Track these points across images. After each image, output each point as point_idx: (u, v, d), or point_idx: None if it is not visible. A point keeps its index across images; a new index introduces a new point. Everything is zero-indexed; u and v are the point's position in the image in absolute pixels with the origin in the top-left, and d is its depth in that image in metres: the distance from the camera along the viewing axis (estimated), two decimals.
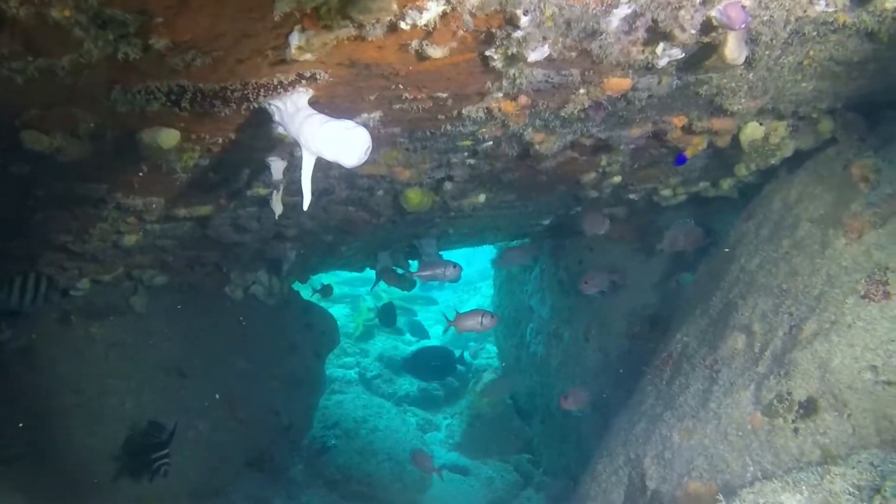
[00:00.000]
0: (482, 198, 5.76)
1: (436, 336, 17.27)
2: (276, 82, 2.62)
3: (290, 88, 2.70)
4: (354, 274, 10.32)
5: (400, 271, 9.21)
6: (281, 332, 8.50)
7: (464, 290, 20.00)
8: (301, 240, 6.59)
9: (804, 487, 2.64)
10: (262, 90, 2.67)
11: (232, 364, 7.80)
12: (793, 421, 3.43)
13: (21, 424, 5.58)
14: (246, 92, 2.66)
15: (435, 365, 10.77)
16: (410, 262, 9.11)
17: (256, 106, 2.83)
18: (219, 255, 6.74)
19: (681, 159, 4.75)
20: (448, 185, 5.10)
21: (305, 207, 2.71)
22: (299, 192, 4.79)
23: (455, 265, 7.34)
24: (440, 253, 8.52)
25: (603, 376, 8.07)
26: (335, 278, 13.83)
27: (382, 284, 8.52)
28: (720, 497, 2.90)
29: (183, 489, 7.02)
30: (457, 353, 11.31)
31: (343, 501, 8.60)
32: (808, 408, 3.38)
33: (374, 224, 6.16)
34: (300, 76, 2.64)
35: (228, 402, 7.62)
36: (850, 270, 3.62)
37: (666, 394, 4.75)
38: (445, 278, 7.16)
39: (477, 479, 10.16)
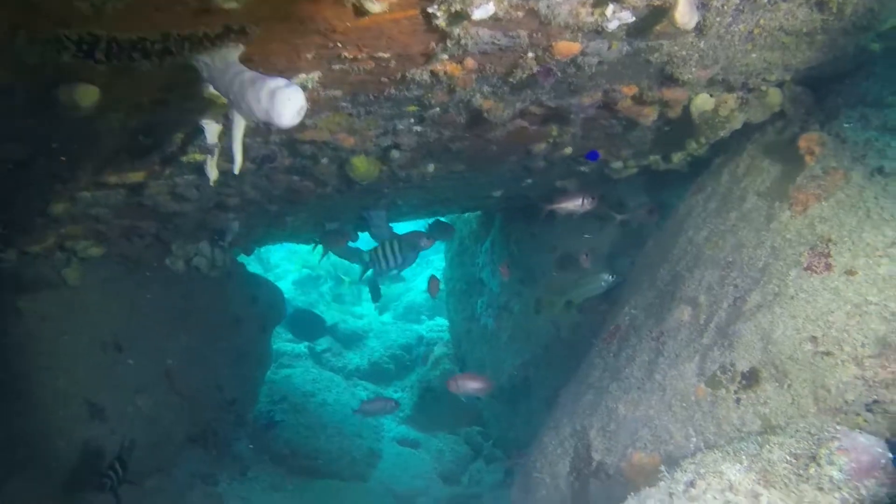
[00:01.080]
0: (431, 168, 5.66)
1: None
2: (201, 35, 2.46)
3: (218, 42, 2.54)
4: None
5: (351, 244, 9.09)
6: (225, 306, 8.30)
7: (416, 263, 19.86)
8: (244, 210, 6.41)
9: (744, 457, 2.63)
10: (186, 43, 2.50)
11: (174, 338, 7.59)
12: (735, 392, 3.43)
13: None
14: (168, 44, 2.49)
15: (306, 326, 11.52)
16: (360, 233, 9.00)
17: (183, 61, 2.67)
18: (158, 226, 6.52)
19: (593, 155, 4.75)
20: (395, 154, 4.98)
21: (236, 172, 2.57)
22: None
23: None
24: (390, 225, 8.42)
25: (553, 349, 8.09)
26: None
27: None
28: (662, 468, 2.88)
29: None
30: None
31: (290, 476, 8.51)
32: (751, 378, 3.39)
33: (319, 194, 6.02)
34: (228, 29, 2.48)
35: (170, 377, 7.43)
36: (794, 243, 3.63)
37: (613, 366, 4.75)
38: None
39: (427, 452, 10.16)
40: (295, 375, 10.89)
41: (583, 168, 6.34)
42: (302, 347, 13.04)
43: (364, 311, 16.67)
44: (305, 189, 5.81)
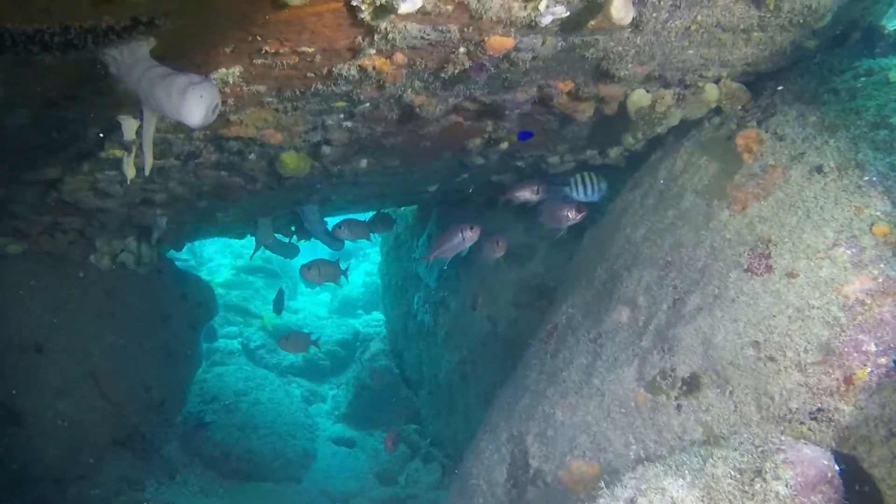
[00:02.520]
0: (364, 163, 5.50)
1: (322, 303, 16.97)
2: (105, 27, 2.24)
3: (125, 35, 2.32)
4: None
5: (282, 238, 8.85)
6: (153, 303, 7.96)
7: (353, 256, 19.66)
8: (172, 206, 6.14)
9: (686, 472, 2.54)
10: (90, 36, 2.28)
11: (98, 337, 7.24)
12: (675, 398, 3.35)
13: None
14: (70, 37, 2.26)
15: None
16: (294, 228, 8.76)
17: (89, 55, 2.44)
18: (81, 222, 6.22)
19: (525, 135, 4.67)
20: (326, 150, 4.80)
21: (146, 172, 2.36)
22: (162, 155, 4.45)
23: None
24: (324, 219, 8.21)
25: (490, 345, 8.00)
26: None
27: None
28: (602, 484, 2.77)
29: (44, 472, 6.51)
30: None
31: (222, 480, 8.22)
32: (691, 384, 3.31)
33: (249, 189, 5.79)
34: (136, 21, 2.27)
35: (95, 378, 7.09)
36: (734, 243, 3.56)
37: (550, 368, 4.65)
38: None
39: (363, 451, 9.98)
40: (227, 374, 10.54)
41: (519, 163, 6.26)
42: (235, 344, 12.68)
43: (300, 305, 16.37)
44: (235, 185, 5.59)
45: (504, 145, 5.36)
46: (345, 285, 16.89)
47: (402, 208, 10.36)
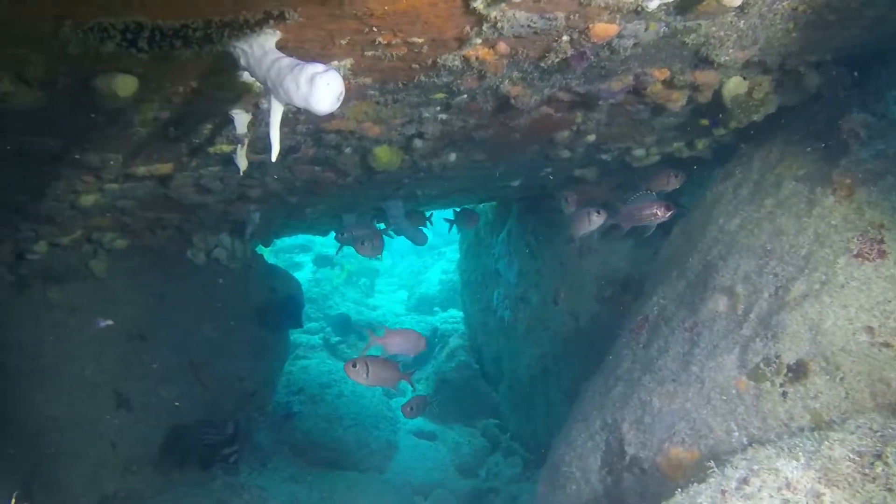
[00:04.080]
0: (452, 157, 5.57)
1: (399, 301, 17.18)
2: (241, 21, 2.38)
3: (256, 28, 2.46)
4: None
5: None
6: (245, 297, 8.26)
7: (429, 256, 19.85)
8: (265, 201, 6.35)
9: (801, 454, 2.53)
10: (226, 30, 2.42)
11: (195, 329, 7.58)
12: (781, 385, 3.33)
13: None
14: (209, 31, 2.41)
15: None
16: (377, 224, 8.92)
17: (221, 49, 2.59)
18: (181, 218, 6.49)
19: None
20: (418, 143, 4.90)
21: (273, 159, 2.49)
22: (265, 150, 4.61)
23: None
24: (426, 212, 8.33)
25: (572, 340, 8.00)
26: None
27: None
28: (711, 463, 2.78)
29: (147, 457, 6.84)
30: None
31: (310, 467, 8.46)
32: (798, 371, 3.28)
33: (340, 185, 5.95)
34: (268, 14, 2.40)
35: (192, 367, 7.42)
36: (841, 229, 3.51)
37: (643, 357, 4.65)
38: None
39: (444, 444, 10.09)
40: (312, 367, 10.84)
41: (604, 156, 6.24)
42: (317, 339, 12.99)
43: (377, 302, 16.62)
44: (327, 180, 5.74)
45: (591, 137, 5.37)
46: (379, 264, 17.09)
47: (482, 205, 10.43)
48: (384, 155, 4.99)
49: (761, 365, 3.46)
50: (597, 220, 5.75)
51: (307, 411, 9.30)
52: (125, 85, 2.85)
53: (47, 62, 2.65)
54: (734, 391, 3.57)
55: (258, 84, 3.02)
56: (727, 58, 3.71)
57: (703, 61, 3.83)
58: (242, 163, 3.59)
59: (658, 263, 5.67)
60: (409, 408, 6.62)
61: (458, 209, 8.47)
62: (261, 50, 2.48)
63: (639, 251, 7.38)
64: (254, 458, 8.24)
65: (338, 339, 13.22)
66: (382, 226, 8.07)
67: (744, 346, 3.66)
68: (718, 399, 3.64)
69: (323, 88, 2.27)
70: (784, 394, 3.31)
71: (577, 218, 5.92)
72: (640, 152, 6.11)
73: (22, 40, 2.44)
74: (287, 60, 2.40)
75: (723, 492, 2.52)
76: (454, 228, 8.54)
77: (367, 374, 5.42)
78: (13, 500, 5.27)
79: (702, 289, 4.46)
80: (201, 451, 6.87)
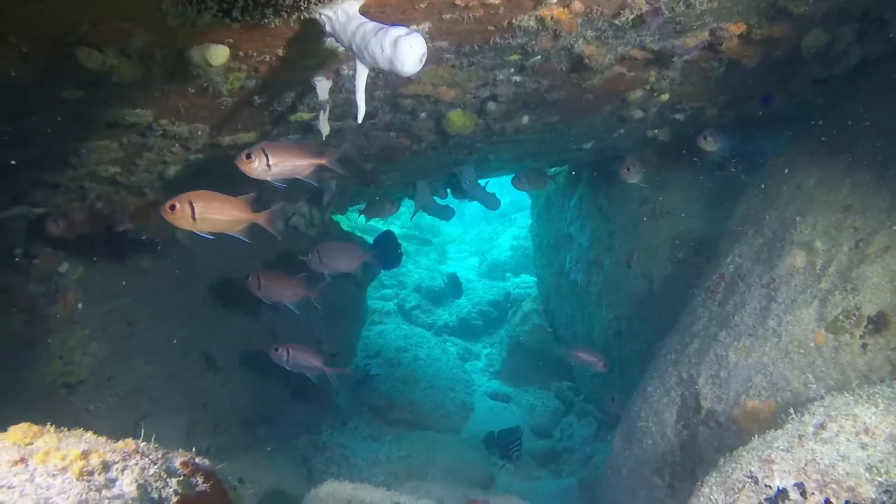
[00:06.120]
0: (525, 120, 5.63)
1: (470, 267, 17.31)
2: None
3: None
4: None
5: (439, 201, 9.14)
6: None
7: (498, 222, 19.92)
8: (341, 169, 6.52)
9: (880, 400, 2.56)
10: None
11: None
12: (861, 336, 3.34)
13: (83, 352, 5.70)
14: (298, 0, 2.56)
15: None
16: (449, 190, 9.04)
17: (307, 16, 2.73)
18: (258, 187, 6.70)
19: (767, 99, 4.59)
20: (492, 106, 4.97)
21: (359, 120, 2.62)
22: (342, 117, 4.77)
23: None
24: (479, 181, 8.42)
25: (646, 302, 8.00)
26: None
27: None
28: (791, 410, 2.83)
29: (236, 415, 7.17)
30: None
31: (388, 427, 8.73)
32: (879, 322, 3.28)
33: (414, 150, 6.07)
34: None
35: (273, 331, 7.70)
36: None
37: (719, 314, 4.67)
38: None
39: (518, 406, 10.25)
40: (387, 331, 11.10)
41: (677, 116, 6.19)
42: (391, 305, 13.27)
43: (450, 269, 16.82)
44: (401, 146, 5.86)
45: (664, 97, 5.35)
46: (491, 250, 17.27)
47: (552, 169, 10.43)
48: (458, 119, 5.08)
49: (840, 317, 3.47)
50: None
51: (385, 374, 9.56)
52: (218, 55, 3.02)
53: (148, 35, 2.84)
54: (812, 344, 3.58)
55: (341, 49, 3.15)
56: (806, 8, 3.66)
57: (780, 13, 3.79)
58: (325, 128, 3.74)
59: (733, 223, 5.65)
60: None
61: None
62: (345, 15, 2.60)
63: (713, 212, 7.31)
64: (334, 418, 8.54)
65: (412, 304, 13.48)
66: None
67: (822, 300, 3.66)
68: (796, 352, 3.66)
69: (406, 50, 2.38)
70: (864, 345, 3.31)
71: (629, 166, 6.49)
72: (713, 112, 6.06)
73: (128, 14, 2.63)
74: (371, 25, 2.52)
75: (800, 437, 2.57)
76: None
77: (288, 358, 5.74)
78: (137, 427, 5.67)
79: (779, 245, 4.44)
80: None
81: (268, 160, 3.77)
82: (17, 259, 5.43)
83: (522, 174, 7.48)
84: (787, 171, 5.08)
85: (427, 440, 8.46)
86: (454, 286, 13.26)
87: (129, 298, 6.25)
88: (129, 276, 6.30)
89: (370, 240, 11.08)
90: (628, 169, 6.58)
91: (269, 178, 3.94)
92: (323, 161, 3.95)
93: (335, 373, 6.09)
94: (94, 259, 5.98)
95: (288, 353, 5.73)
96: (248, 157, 3.74)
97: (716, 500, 2.60)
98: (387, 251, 9.36)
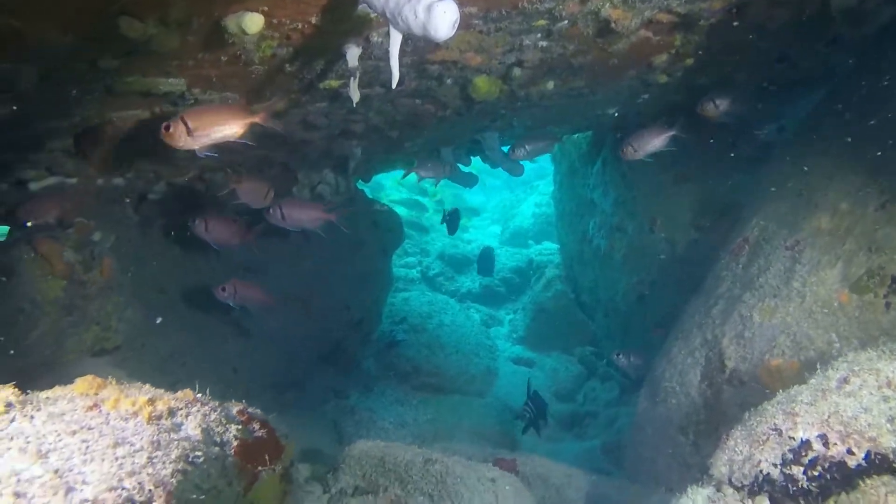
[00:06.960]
0: (551, 85, 5.65)
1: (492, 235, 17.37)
2: None
3: None
4: None
5: (463, 168, 9.20)
6: (348, 231, 8.61)
7: (521, 190, 19.93)
8: (367, 136, 6.58)
9: None
10: None
11: (302, 261, 7.97)
12: (885, 296, 3.39)
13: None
14: None
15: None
16: (473, 157, 9.09)
17: None
18: (286, 155, 6.78)
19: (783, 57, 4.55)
20: (517, 72, 5.00)
21: (394, 86, 2.69)
22: (370, 84, 4.83)
23: None
24: (503, 148, 8.45)
25: (669, 267, 8.05)
26: None
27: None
28: (818, 366, 2.90)
29: (266, 380, 7.34)
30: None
31: (414, 392, 8.89)
32: None
33: (439, 117, 6.11)
34: None
35: (301, 298, 7.84)
36: None
37: (743, 277, 4.73)
38: None
39: (542, 371, 10.38)
40: (412, 298, 11.24)
41: (702, 80, 6.18)
42: (415, 273, 13.40)
43: (472, 236, 16.89)
44: (426, 113, 5.91)
45: (689, 61, 5.35)
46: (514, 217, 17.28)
47: (576, 135, 10.43)
48: (483, 84, 5.11)
49: (864, 277, 3.52)
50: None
51: (410, 339, 9.71)
52: (253, 23, 3.10)
53: (186, 3, 2.91)
54: (836, 304, 3.64)
55: (374, 15, 3.21)
56: None
57: None
58: (355, 95, 3.81)
59: (758, 187, 5.67)
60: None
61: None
62: None
63: (737, 177, 7.32)
64: (361, 383, 8.72)
65: (436, 271, 13.61)
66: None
67: (847, 261, 3.71)
68: (820, 312, 3.72)
69: (440, 16, 2.44)
70: (888, 304, 3.37)
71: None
72: (741, 76, 6.04)
73: None
74: None
75: (823, 391, 2.64)
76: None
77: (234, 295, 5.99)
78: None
79: (804, 208, 4.48)
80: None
81: (188, 128, 3.51)
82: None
83: (521, 141, 7.29)
84: (813, 134, 5.09)
85: (452, 404, 8.62)
86: (486, 262, 12.69)
87: (159, 266, 6.38)
88: (158, 244, 6.44)
89: (402, 211, 11.17)
90: (715, 104, 6.00)
91: (195, 148, 3.65)
92: (256, 119, 3.68)
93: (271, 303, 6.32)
94: (125, 228, 6.13)
95: (235, 289, 6.00)
96: (167, 128, 3.53)
97: (741, 451, 2.69)
98: (485, 263, 9.76)
